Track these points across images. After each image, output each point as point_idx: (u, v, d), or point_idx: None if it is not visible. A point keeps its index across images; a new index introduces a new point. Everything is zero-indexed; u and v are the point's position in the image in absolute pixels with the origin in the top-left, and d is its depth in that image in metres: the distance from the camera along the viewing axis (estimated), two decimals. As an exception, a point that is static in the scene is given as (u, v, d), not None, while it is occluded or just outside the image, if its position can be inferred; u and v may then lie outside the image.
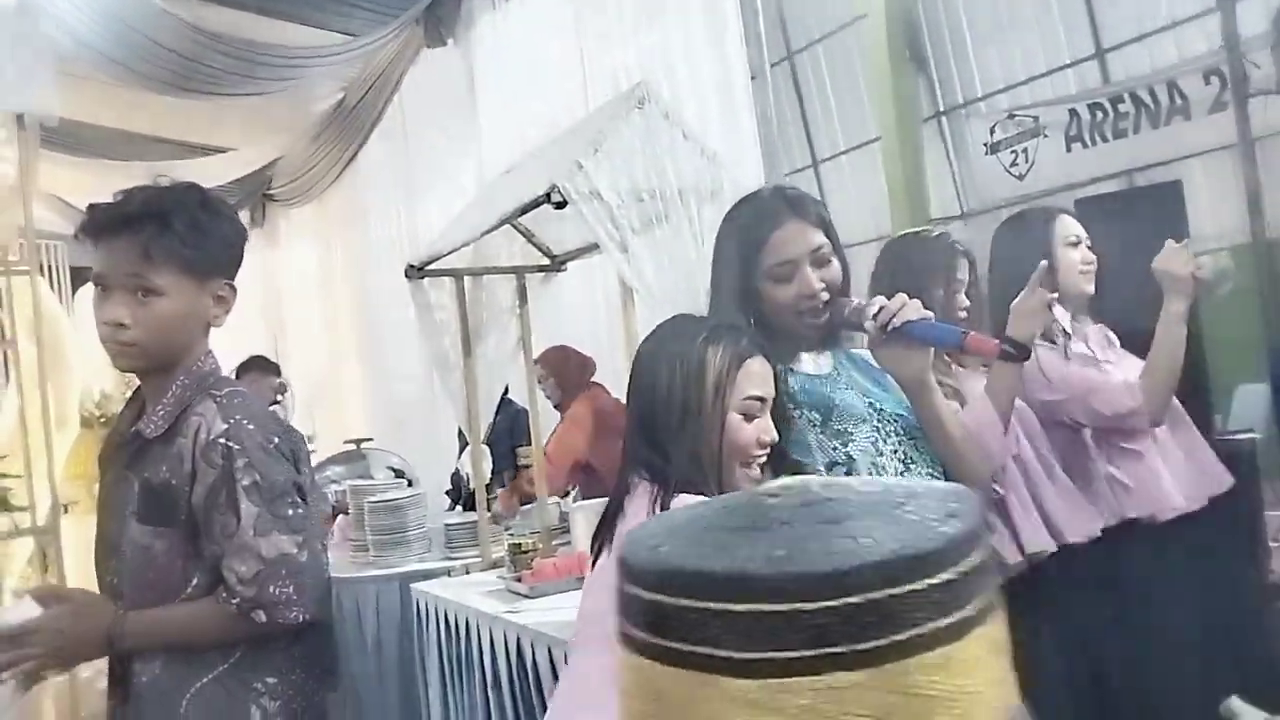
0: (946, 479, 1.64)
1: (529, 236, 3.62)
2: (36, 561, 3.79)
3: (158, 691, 1.62)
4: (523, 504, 4.01)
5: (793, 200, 1.69)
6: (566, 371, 4.23)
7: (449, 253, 3.35)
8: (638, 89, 2.76)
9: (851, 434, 1.61)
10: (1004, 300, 1.95)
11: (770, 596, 0.56)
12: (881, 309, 1.59)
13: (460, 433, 4.40)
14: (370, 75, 6.44)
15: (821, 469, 1.56)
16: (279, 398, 4.75)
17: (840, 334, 1.73)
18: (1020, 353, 1.78)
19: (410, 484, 4.51)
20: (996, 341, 1.60)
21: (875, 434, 1.62)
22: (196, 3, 5.51)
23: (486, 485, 3.78)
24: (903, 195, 8.00)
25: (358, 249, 7.68)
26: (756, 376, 1.47)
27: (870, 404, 1.66)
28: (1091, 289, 2.30)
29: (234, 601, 1.58)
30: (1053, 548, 2.11)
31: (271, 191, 8.44)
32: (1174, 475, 2.20)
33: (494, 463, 4.32)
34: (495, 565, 3.42)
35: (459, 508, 4.53)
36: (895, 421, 1.65)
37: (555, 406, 4.29)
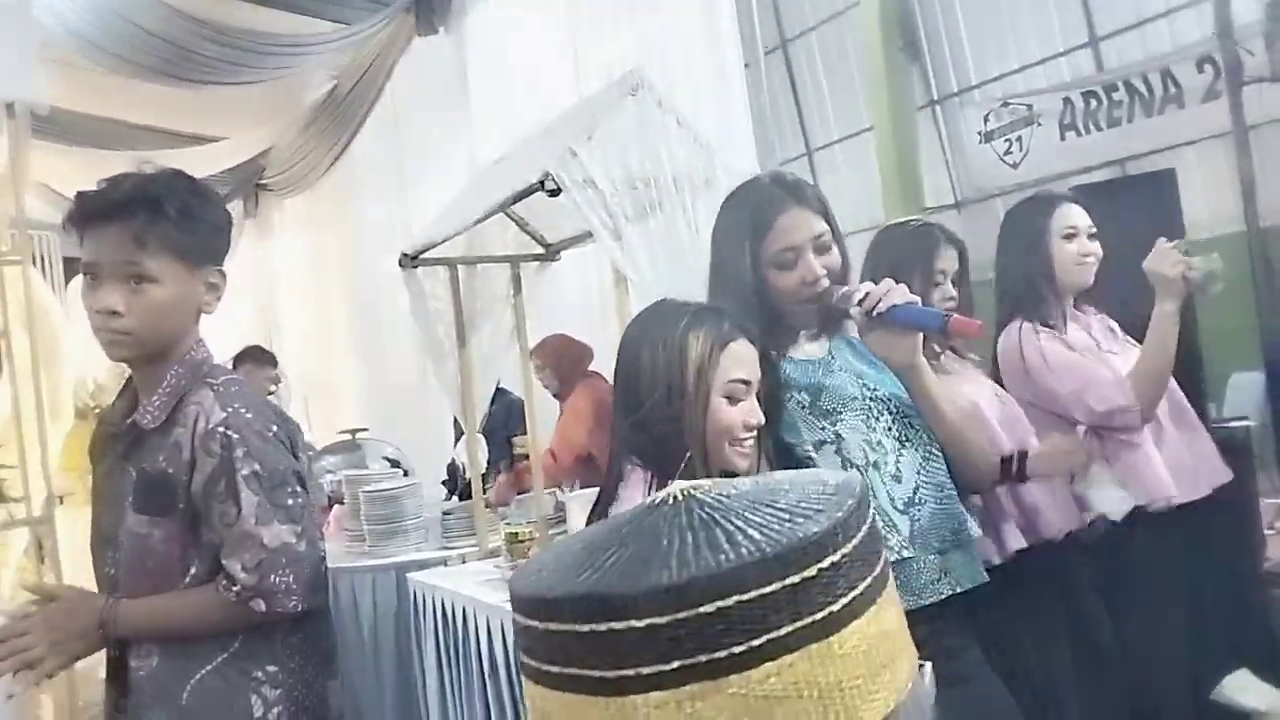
0: (947, 461, 1.65)
1: (523, 225, 3.61)
2: (32, 552, 3.78)
3: (157, 684, 1.62)
4: (520, 493, 4.02)
5: (792, 187, 1.68)
6: (564, 361, 4.21)
7: (442, 241, 3.33)
8: (631, 76, 2.74)
9: (840, 414, 1.61)
10: (1014, 280, 1.96)
11: (624, 614, 0.55)
12: (867, 295, 1.59)
13: (455, 422, 4.39)
14: (362, 64, 6.41)
15: (810, 448, 1.57)
16: (274, 388, 4.73)
17: (840, 320, 1.72)
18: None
19: (406, 474, 4.51)
20: (979, 324, 1.60)
21: (865, 413, 1.62)
22: (188, -10, 5.47)
23: (482, 475, 3.78)
24: (896, 184, 8.00)
25: (351, 238, 7.66)
26: (740, 359, 1.46)
27: (864, 385, 1.66)
28: (1091, 279, 2.30)
29: (234, 590, 1.57)
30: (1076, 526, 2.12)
31: (264, 181, 8.41)
32: (1174, 466, 2.19)
33: (490, 452, 4.31)
34: (492, 554, 3.42)
35: (455, 498, 4.54)
36: (888, 402, 1.65)
37: (554, 396, 4.27)
